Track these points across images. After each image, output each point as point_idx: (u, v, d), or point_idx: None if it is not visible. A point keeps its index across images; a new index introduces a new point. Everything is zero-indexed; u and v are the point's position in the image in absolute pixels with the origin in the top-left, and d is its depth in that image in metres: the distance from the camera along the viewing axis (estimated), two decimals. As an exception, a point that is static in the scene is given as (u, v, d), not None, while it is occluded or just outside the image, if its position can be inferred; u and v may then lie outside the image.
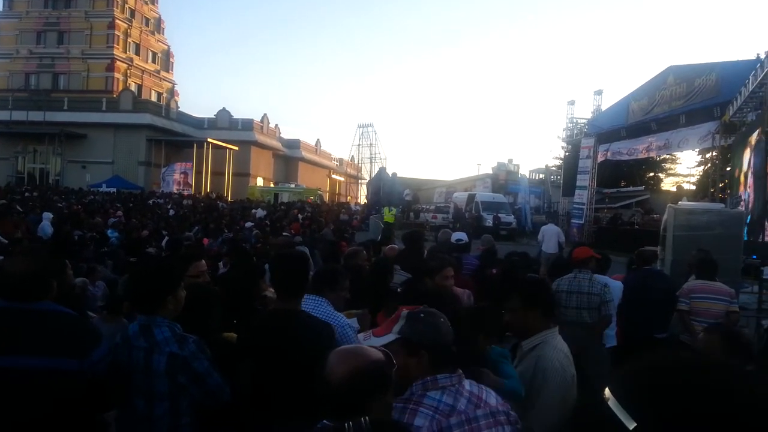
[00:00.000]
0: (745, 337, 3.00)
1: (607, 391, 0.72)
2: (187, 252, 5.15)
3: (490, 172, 47.75)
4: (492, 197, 32.35)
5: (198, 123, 49.09)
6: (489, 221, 26.97)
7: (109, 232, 14.76)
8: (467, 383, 2.03)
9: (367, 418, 1.60)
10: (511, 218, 28.70)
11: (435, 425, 1.87)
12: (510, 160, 50.80)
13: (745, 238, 9.33)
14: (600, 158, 22.95)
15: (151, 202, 29.32)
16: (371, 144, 67.75)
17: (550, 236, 14.52)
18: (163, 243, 12.51)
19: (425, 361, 1.98)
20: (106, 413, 2.86)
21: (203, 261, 4.67)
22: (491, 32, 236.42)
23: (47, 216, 15.11)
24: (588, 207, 22.46)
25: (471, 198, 31.63)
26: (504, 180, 42.50)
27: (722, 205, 10.41)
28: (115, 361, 2.65)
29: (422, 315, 2.08)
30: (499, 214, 28.00)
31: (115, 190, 34.57)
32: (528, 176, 40.45)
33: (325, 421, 1.73)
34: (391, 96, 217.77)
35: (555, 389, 2.70)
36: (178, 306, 2.84)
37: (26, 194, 27.40)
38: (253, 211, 26.24)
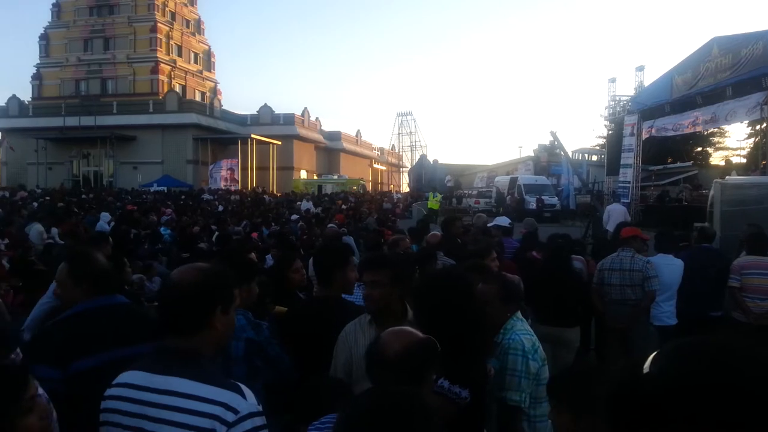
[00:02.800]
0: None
1: (646, 364, 0.84)
2: (238, 246, 5.39)
3: (532, 154, 47.19)
4: (535, 180, 32.04)
5: (241, 120, 50.00)
6: (532, 204, 26.74)
7: (162, 229, 15.29)
8: None
9: None
10: (554, 200, 28.37)
11: None
12: (552, 142, 49.99)
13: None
14: (644, 135, 22.38)
15: (203, 198, 30.14)
16: (411, 132, 67.95)
17: (617, 216, 14.31)
18: (214, 238, 12.96)
19: None
20: None
21: (253, 254, 4.93)
22: (529, 12, 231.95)
23: (105, 216, 15.72)
24: (634, 185, 21.99)
25: (513, 181, 31.39)
26: (546, 162, 41.93)
27: (773, 178, 10.10)
28: None
29: None
30: (543, 197, 27.72)
31: (165, 188, 35.56)
32: (570, 157, 39.74)
33: None
34: (428, 83, 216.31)
35: None
36: (252, 297, 3.05)
37: (82, 196, 28.47)
38: (298, 203, 26.68)
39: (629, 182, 21.97)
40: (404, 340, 1.87)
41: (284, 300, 3.72)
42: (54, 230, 13.22)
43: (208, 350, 1.76)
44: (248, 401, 1.60)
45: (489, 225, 7.39)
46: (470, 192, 37.30)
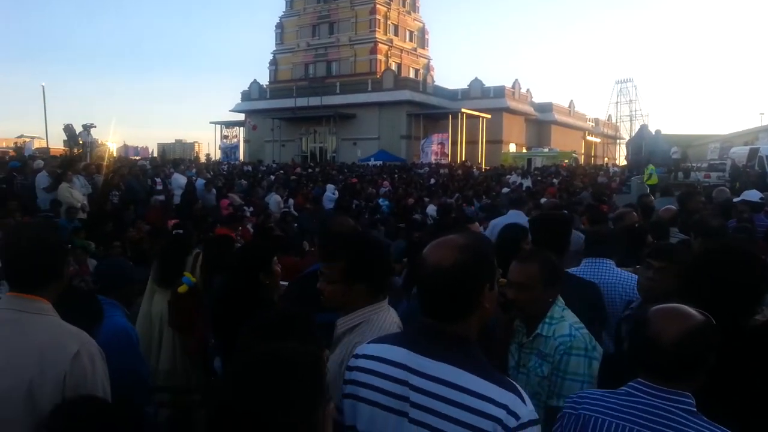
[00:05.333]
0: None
1: None
2: (458, 216, 5.57)
3: (781, 121, 40.91)
4: (782, 151, 27.81)
5: (452, 95, 50.69)
6: (777, 179, 23.24)
7: (380, 201, 16.34)
8: None
9: None
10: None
11: None
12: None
13: None
14: None
15: (417, 171, 31.35)
16: (630, 100, 62.99)
17: None
18: (428, 210, 13.49)
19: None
20: None
21: (476, 223, 5.07)
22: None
23: (330, 188, 17.16)
24: None
25: (753, 153, 27.52)
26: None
27: None
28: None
29: None
30: (791, 171, 23.93)
31: (381, 162, 37.53)
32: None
33: (641, 382, 1.74)
34: (651, 45, 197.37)
35: None
36: None
37: (309, 170, 31.29)
38: (508, 176, 26.42)
39: None
40: (682, 323, 1.70)
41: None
42: (290, 201, 14.82)
43: (474, 334, 1.61)
44: (527, 406, 1.46)
45: (735, 200, 6.61)
46: (699, 165, 33.61)
